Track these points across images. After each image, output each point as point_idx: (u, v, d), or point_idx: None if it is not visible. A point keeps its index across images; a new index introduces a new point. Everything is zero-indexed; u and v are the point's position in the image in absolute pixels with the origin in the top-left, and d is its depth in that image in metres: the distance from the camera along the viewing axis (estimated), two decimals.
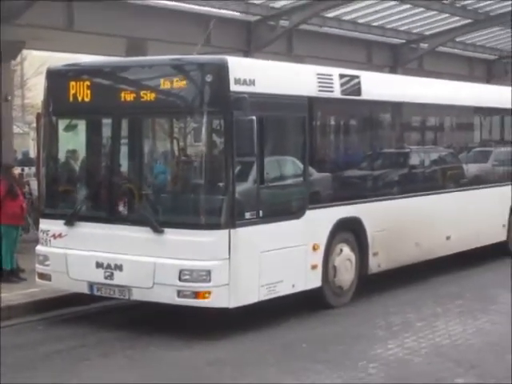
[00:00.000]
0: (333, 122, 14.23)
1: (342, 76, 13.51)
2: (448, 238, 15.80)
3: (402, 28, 27.46)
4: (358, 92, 13.74)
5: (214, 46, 19.51)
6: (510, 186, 18.16)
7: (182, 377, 9.41)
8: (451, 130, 17.53)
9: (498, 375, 9.29)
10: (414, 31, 28.04)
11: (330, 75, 13.27)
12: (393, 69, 27.16)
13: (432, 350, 10.49)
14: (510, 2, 26.08)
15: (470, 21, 27.18)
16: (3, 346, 10.72)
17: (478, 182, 17.46)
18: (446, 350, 10.53)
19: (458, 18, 27.00)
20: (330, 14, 24.21)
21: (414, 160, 15.95)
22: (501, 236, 17.92)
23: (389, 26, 26.90)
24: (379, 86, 14.90)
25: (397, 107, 15.29)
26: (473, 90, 19.18)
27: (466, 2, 25.68)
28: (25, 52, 27.53)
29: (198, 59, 11.71)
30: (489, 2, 25.98)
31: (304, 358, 10.17)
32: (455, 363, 9.78)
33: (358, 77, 13.92)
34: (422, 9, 25.23)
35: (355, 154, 14.47)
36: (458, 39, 29.17)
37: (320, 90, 12.85)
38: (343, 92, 13.40)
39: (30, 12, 17.23)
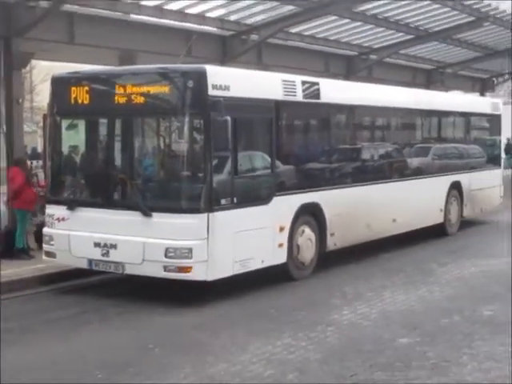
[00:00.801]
0: (296, 122, 14.13)
1: (303, 82, 13.47)
2: (394, 220, 15.83)
3: (355, 42, 27.45)
4: (318, 96, 13.72)
5: (194, 57, 19.33)
6: (446, 177, 18.41)
7: (172, 338, 9.50)
8: (397, 129, 17.56)
9: (436, 334, 9.39)
10: (365, 44, 28.02)
11: (294, 81, 13.29)
12: (346, 77, 27.08)
13: (380, 315, 10.55)
14: (445, 21, 26.36)
15: (412, 36, 27.25)
16: (18, 313, 10.90)
17: (419, 173, 17.46)
18: (391, 315, 10.57)
19: (401, 33, 27.07)
20: (293, 30, 24.16)
21: (365, 154, 15.86)
22: (439, 218, 18.06)
23: (343, 40, 26.90)
24: (335, 90, 14.90)
25: (350, 109, 15.26)
26: (415, 94, 19.38)
27: (409, 20, 25.69)
28: (33, 62, 27.17)
29: (180, 68, 11.83)
30: (427, 21, 26.04)
31: (272, 321, 10.20)
32: (400, 325, 9.85)
33: (317, 83, 13.89)
34: (372, 25, 25.28)
35: (315, 149, 14.39)
36: (401, 51, 29.22)
37: (285, 94, 12.88)
38: (305, 96, 13.36)
39: (38, 28, 17.08)
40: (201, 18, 21.80)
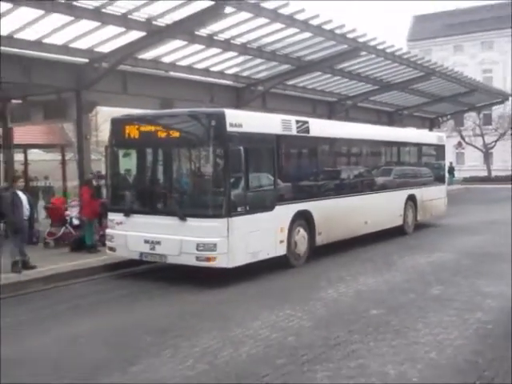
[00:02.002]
0: (291, 150, 14.17)
1: (297, 121, 13.65)
2: (366, 222, 15.91)
3: (336, 91, 27.52)
4: (308, 131, 13.87)
5: (216, 103, 19.48)
6: (404, 190, 18.40)
7: (203, 310, 9.55)
8: (367, 155, 17.52)
9: (397, 308, 9.38)
10: (343, 93, 28.06)
11: (290, 120, 13.50)
12: (329, 117, 27.01)
13: (356, 294, 10.52)
14: (402, 75, 26.38)
15: (377, 87, 27.33)
16: (91, 292, 11.13)
17: (384, 187, 17.55)
18: (364, 293, 10.54)
19: (369, 84, 27.14)
20: (290, 82, 24.24)
21: (344, 174, 15.97)
22: (399, 221, 18.08)
23: (327, 90, 27.03)
24: (321, 127, 15.00)
25: (332, 141, 15.39)
26: (380, 130, 19.64)
27: (376, 75, 25.76)
28: (97, 108, 27.31)
29: (206, 111, 12.15)
30: (389, 75, 26.13)
31: (276, 298, 10.19)
32: (370, 301, 9.81)
33: (307, 122, 14.05)
34: (347, 79, 25.42)
35: (306, 170, 14.55)
36: (370, 98, 29.21)
37: (283, 130, 13.08)
38: (298, 131, 13.53)
39: (100, 83, 17.24)
40: (221, 74, 21.93)
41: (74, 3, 14.56)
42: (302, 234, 13.32)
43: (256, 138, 12.08)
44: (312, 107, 27.06)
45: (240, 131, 11.43)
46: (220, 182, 11.28)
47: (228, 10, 16.01)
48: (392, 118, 33.50)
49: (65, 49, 16.80)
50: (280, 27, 18.20)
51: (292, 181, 13.57)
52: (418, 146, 20.38)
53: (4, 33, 15.32)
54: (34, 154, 26.31)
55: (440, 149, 21.78)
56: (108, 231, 12.66)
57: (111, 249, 12.54)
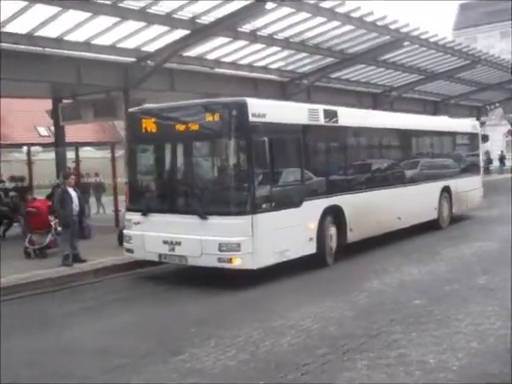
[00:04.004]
0: (319, 142, 13.04)
1: (325, 110, 12.68)
2: (399, 218, 14.85)
3: (380, 82, 27.31)
4: (336, 120, 12.93)
5: (261, 98, 19.45)
6: (438, 182, 17.45)
7: (243, 304, 9.53)
8: (400, 146, 16.62)
9: (440, 297, 9.23)
10: (387, 84, 27.78)
11: (317, 109, 12.53)
12: (374, 109, 26.48)
13: (399, 284, 10.41)
14: (447, 64, 25.91)
15: (422, 77, 26.92)
16: (137, 285, 11.29)
17: (417, 179, 16.50)
18: (408, 283, 10.41)
19: (414, 75, 26.77)
20: (334, 75, 24.11)
21: (375, 166, 14.99)
22: (434, 215, 17.05)
23: (371, 82, 26.78)
24: (351, 116, 13.99)
25: (363, 130, 14.43)
26: (413, 118, 18.46)
27: (420, 65, 25.38)
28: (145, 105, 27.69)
29: (226, 100, 11.22)
30: (434, 65, 25.73)
31: (316, 291, 10.17)
32: (413, 291, 9.69)
33: (335, 111, 13.08)
34: (391, 70, 25.17)
35: (335, 163, 13.56)
36: (415, 88, 28.83)
37: (310, 119, 12.15)
38: (326, 120, 12.60)
39: (147, 81, 17.46)
40: (265, 69, 21.92)
41: (120, 4, 14.77)
42: (332, 231, 12.42)
43: (281, 128, 11.16)
44: (357, 99, 26.72)
45: (263, 121, 10.58)
46: (243, 177, 10.48)
47: (269, 5, 16.02)
48: (438, 107, 32.94)
49: (112, 49, 17.06)
50: (322, 21, 18.12)
51: (320, 174, 12.60)
52: (452, 134, 19.41)
53: (54, 35, 15.68)
54: (86, 152, 26.74)
55: (474, 137, 20.72)
56: (125, 232, 11.83)
57: (128, 250, 11.74)
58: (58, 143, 19.78)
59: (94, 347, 7.57)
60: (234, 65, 20.65)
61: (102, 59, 17.21)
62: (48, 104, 20.32)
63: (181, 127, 11.11)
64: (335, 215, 12.49)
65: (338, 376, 6.21)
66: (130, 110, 12.33)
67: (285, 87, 22.87)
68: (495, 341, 7.11)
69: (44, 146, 25.02)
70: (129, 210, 11.94)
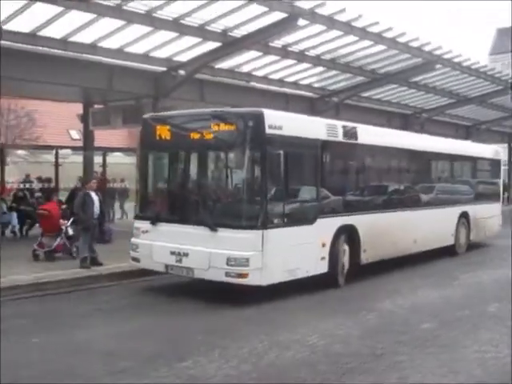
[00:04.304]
0: (337, 158, 12.74)
1: (344, 126, 12.37)
2: (415, 241, 14.45)
3: (411, 104, 27.32)
4: (355, 137, 12.57)
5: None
6: (456, 207, 17.05)
7: (253, 316, 9.57)
8: (419, 167, 16.08)
9: (451, 322, 9.20)
10: (418, 106, 27.75)
11: (335, 125, 12.22)
12: (404, 130, 26.52)
13: (412, 306, 10.39)
14: (479, 89, 25.78)
15: (454, 100, 26.81)
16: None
17: (436, 203, 16.12)
18: (421, 306, 10.40)
19: (445, 98, 26.73)
20: (364, 94, 24.20)
21: (393, 187, 14.64)
22: (450, 240, 16.59)
23: (402, 103, 26.80)
24: (370, 134, 13.49)
25: (382, 150, 13.88)
26: (433, 141, 17.72)
27: (452, 88, 25.32)
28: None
29: (242, 110, 10.98)
30: (466, 89, 25.64)
31: (327, 308, 10.22)
32: (425, 314, 9.67)
33: (355, 127, 12.74)
34: (423, 92, 25.01)
35: (352, 181, 13.32)
36: (446, 112, 28.70)
37: (328, 135, 11.78)
38: (344, 137, 12.23)
39: (177, 90, 17.73)
40: (295, 84, 22.09)
41: (154, 14, 15.05)
42: (345, 251, 12.08)
43: (297, 142, 10.80)
44: (387, 119, 26.72)
45: (280, 134, 10.27)
46: (256, 189, 10.25)
47: (301, 22, 16.18)
48: (470, 132, 32.72)
49: (145, 57, 17.39)
50: (354, 40, 18.21)
51: (336, 192, 12.25)
52: (473, 159, 18.88)
53: (88, 41, 16.02)
54: (115, 157, 27.16)
55: (495, 163, 20.25)
56: (133, 240, 11.46)
57: (135, 259, 11.43)
58: (87, 147, 20.14)
59: (101, 349, 7.71)
60: (265, 79, 20.86)
61: (133, 67, 17.54)
62: (80, 108, 20.72)
63: (195, 136, 10.86)
64: (349, 235, 12.13)
65: None
66: (145, 116, 12.06)
67: (314, 103, 23.00)
68: (498, 369, 7.07)
69: (74, 149, 25.41)
70: (138, 217, 11.70)
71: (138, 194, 12.22)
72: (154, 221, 11.07)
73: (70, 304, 10.35)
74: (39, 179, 21.60)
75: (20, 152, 32.67)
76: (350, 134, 12.52)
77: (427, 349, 7.80)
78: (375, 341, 8.11)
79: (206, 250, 10.16)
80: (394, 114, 27.56)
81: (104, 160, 20.94)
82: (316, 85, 22.88)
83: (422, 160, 16.13)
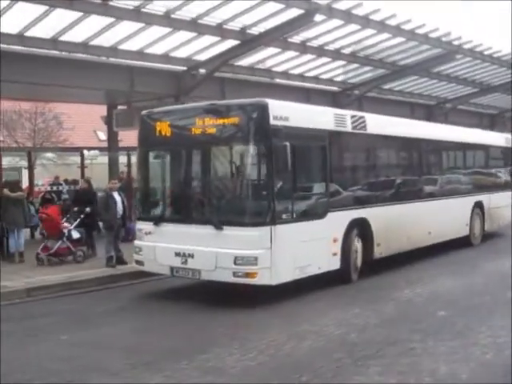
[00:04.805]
0: (346, 150, 12.32)
1: (352, 116, 12.00)
2: (429, 232, 14.12)
3: (434, 94, 27.29)
4: (365, 128, 12.17)
5: None
6: (470, 197, 16.63)
7: (273, 307, 9.71)
8: (431, 157, 15.91)
9: (468, 309, 9.36)
10: (441, 96, 27.66)
11: (344, 115, 11.86)
12: (427, 120, 26.31)
13: (430, 294, 10.58)
14: (503, 78, 25.64)
15: (477, 89, 26.72)
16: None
17: (449, 193, 15.65)
18: (439, 294, 10.57)
19: (469, 87, 26.59)
20: (386, 86, 24.26)
21: (406, 178, 14.21)
22: (465, 231, 16.21)
23: (424, 93, 26.81)
24: (380, 124, 13.16)
25: (393, 139, 13.50)
26: (445, 129, 17.30)
27: (475, 77, 25.24)
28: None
29: (245, 101, 10.31)
30: (490, 77, 25.57)
31: (346, 299, 10.42)
32: (443, 302, 9.86)
33: (363, 117, 12.32)
34: (445, 82, 25.00)
35: (363, 173, 12.81)
36: (471, 101, 28.60)
37: (336, 125, 11.40)
38: (353, 127, 11.87)
39: (198, 89, 18.03)
40: (316, 79, 22.25)
41: (172, 16, 15.38)
42: (358, 246, 11.72)
43: (305, 133, 10.33)
44: (410, 111, 26.72)
45: (286, 125, 9.77)
46: (262, 184, 9.78)
47: (318, 17, 16.36)
48: (495, 121, 32.50)
49: (165, 58, 17.75)
50: (372, 33, 18.34)
51: (346, 184, 11.88)
52: (485, 148, 18.47)
53: (108, 44, 16.43)
54: None
55: (507, 151, 19.64)
56: (136, 242, 11.08)
57: (138, 262, 11.02)
58: (111, 148, 20.56)
59: (124, 345, 8.03)
60: (285, 74, 21.06)
61: (154, 68, 17.91)
62: (105, 110, 21.14)
63: (197, 130, 10.31)
64: (361, 229, 11.76)
65: (348, 380, 6.47)
66: (143, 112, 11.38)
67: (336, 97, 23.11)
68: (509, 353, 7.21)
69: (101, 150, 25.89)
70: (140, 219, 11.30)
71: (139, 195, 11.85)
72: (157, 221, 10.66)
73: (97, 302, 10.73)
74: (65, 181, 22.07)
75: (48, 155, 33.49)
76: (359, 123, 12.11)
77: (441, 335, 7.95)
78: (391, 329, 8.32)
79: (212, 249, 9.70)
80: (417, 105, 27.55)
81: (129, 160, 21.28)
82: (337, 78, 23.00)
83: (435, 149, 15.85)
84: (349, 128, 11.79)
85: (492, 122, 32.30)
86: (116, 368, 7.05)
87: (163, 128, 10.66)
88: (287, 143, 9.49)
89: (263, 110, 9.65)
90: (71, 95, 19.93)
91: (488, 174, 18.62)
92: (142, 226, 10.95)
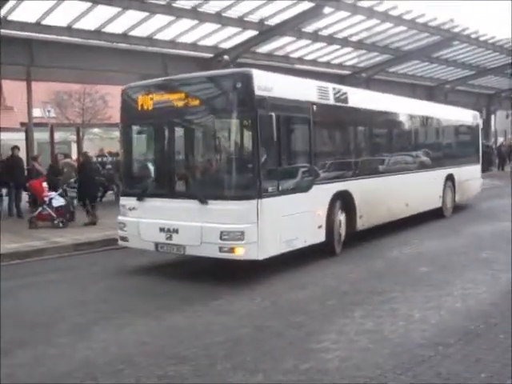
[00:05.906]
0: (329, 122, 11.04)
1: (334, 89, 10.86)
2: (407, 204, 13.43)
3: (435, 76, 27.10)
4: (346, 101, 11.14)
5: None
6: (442, 170, 15.70)
7: (271, 263, 9.68)
8: (408, 131, 14.78)
9: (446, 266, 9.61)
10: (442, 78, 27.52)
11: (326, 87, 10.66)
12: (429, 101, 26.31)
13: (415, 254, 10.86)
14: (497, 61, 25.44)
15: (473, 72, 26.48)
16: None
17: (425, 166, 14.87)
18: (423, 255, 10.72)
19: (466, 70, 26.40)
20: (391, 69, 24.30)
21: (385, 151, 13.27)
22: (438, 203, 15.45)
23: (426, 76, 26.66)
24: (360, 98, 12.21)
25: (372, 114, 12.43)
26: (420, 105, 16.24)
27: (472, 61, 25.04)
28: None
29: (229, 71, 9.64)
30: (485, 60, 25.36)
31: (342, 258, 10.67)
32: (425, 261, 10.01)
33: (345, 91, 11.31)
34: (444, 65, 24.84)
35: (345, 146, 11.75)
36: (468, 82, 28.32)
37: (319, 98, 10.25)
38: (336, 100, 10.77)
39: None
40: (327, 64, 22.42)
41: (199, 9, 15.70)
42: (341, 218, 10.81)
43: (288, 105, 9.29)
44: (412, 91, 26.73)
45: (270, 96, 8.74)
46: (247, 156, 8.63)
47: (327, 10, 16.54)
48: (491, 101, 32.29)
49: (193, 46, 18.09)
50: (376, 23, 18.45)
51: (330, 157, 10.90)
52: (456, 123, 17.38)
53: (145, 34, 16.84)
54: None
55: (475, 128, 18.59)
56: (119, 218, 9.87)
57: (123, 239, 9.85)
58: None
59: (148, 291, 8.65)
60: (299, 60, 21.26)
61: (184, 55, 18.29)
62: None
63: (179, 103, 9.02)
64: (345, 201, 10.89)
65: (335, 321, 6.88)
66: (124, 87, 10.03)
67: (345, 80, 23.23)
68: (475, 302, 7.52)
69: None
70: (124, 194, 10.13)
71: (122, 170, 10.80)
72: (141, 197, 9.51)
73: (130, 257, 10.97)
74: (110, 153, 22.60)
75: (95, 130, 34.20)
76: (341, 96, 11.10)
77: (420, 287, 8.26)
78: (378, 282, 8.64)
79: (197, 224, 8.66)
80: (419, 87, 27.57)
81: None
82: (346, 63, 23.12)
83: (412, 124, 14.96)
84: (331, 100, 10.70)
85: (488, 100, 32.11)
86: (140, 308, 7.61)
87: (145, 102, 9.43)
88: (272, 113, 8.53)
89: (248, 79, 8.57)
90: (114, 78, 20.38)
91: (458, 148, 17.48)
92: (126, 201, 9.80)
